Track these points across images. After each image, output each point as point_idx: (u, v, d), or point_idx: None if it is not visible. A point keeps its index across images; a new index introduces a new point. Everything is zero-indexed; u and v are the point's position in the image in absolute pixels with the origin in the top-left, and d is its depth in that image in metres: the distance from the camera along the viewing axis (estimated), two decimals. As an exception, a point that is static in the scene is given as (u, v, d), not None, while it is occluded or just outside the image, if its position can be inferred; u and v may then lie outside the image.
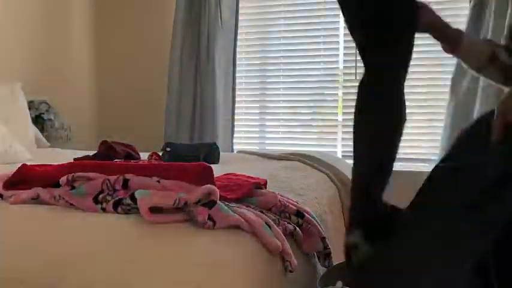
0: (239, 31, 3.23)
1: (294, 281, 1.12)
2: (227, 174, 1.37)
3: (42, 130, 2.91)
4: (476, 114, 2.87)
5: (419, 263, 0.94)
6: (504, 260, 1.07)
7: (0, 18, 2.81)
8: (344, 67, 3.16)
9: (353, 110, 1.07)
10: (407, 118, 1.06)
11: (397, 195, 3.34)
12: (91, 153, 2.18)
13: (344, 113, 3.16)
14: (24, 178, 1.24)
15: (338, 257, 1.65)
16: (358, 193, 1.06)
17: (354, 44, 1.07)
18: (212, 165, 1.34)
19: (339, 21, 3.14)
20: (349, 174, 2.10)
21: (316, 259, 1.31)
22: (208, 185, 1.02)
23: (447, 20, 1.25)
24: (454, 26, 1.25)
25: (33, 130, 2.72)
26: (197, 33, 3.21)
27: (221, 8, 3.16)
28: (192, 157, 2.04)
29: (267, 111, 3.35)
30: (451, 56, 1.29)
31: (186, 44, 3.24)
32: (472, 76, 2.88)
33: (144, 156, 2.19)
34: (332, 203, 1.74)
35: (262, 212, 1.13)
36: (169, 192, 1.03)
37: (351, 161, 1.48)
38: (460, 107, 2.95)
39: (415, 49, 1.06)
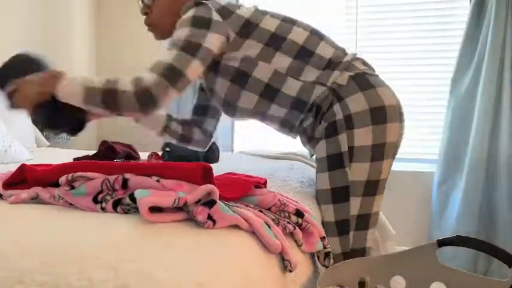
0: (239, 31, 3.23)
1: (294, 280, 1.12)
2: (227, 173, 1.36)
3: (42, 130, 2.91)
4: (476, 114, 2.87)
5: None
6: None
7: (0, 17, 2.81)
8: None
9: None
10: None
11: (397, 195, 3.36)
12: (91, 153, 2.19)
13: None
14: (24, 178, 1.24)
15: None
16: None
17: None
18: (212, 165, 1.35)
19: (339, 21, 3.14)
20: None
21: (316, 259, 1.31)
22: (208, 185, 1.02)
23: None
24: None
25: (33, 130, 2.72)
26: (197, 33, 3.20)
27: (221, 8, 3.16)
28: (192, 157, 2.04)
29: (267, 111, 3.35)
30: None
31: (186, 44, 3.23)
32: (472, 76, 2.88)
33: (144, 156, 2.19)
34: (332, 202, 1.74)
35: (261, 211, 1.13)
36: (169, 192, 1.03)
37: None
38: (460, 107, 2.95)
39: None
